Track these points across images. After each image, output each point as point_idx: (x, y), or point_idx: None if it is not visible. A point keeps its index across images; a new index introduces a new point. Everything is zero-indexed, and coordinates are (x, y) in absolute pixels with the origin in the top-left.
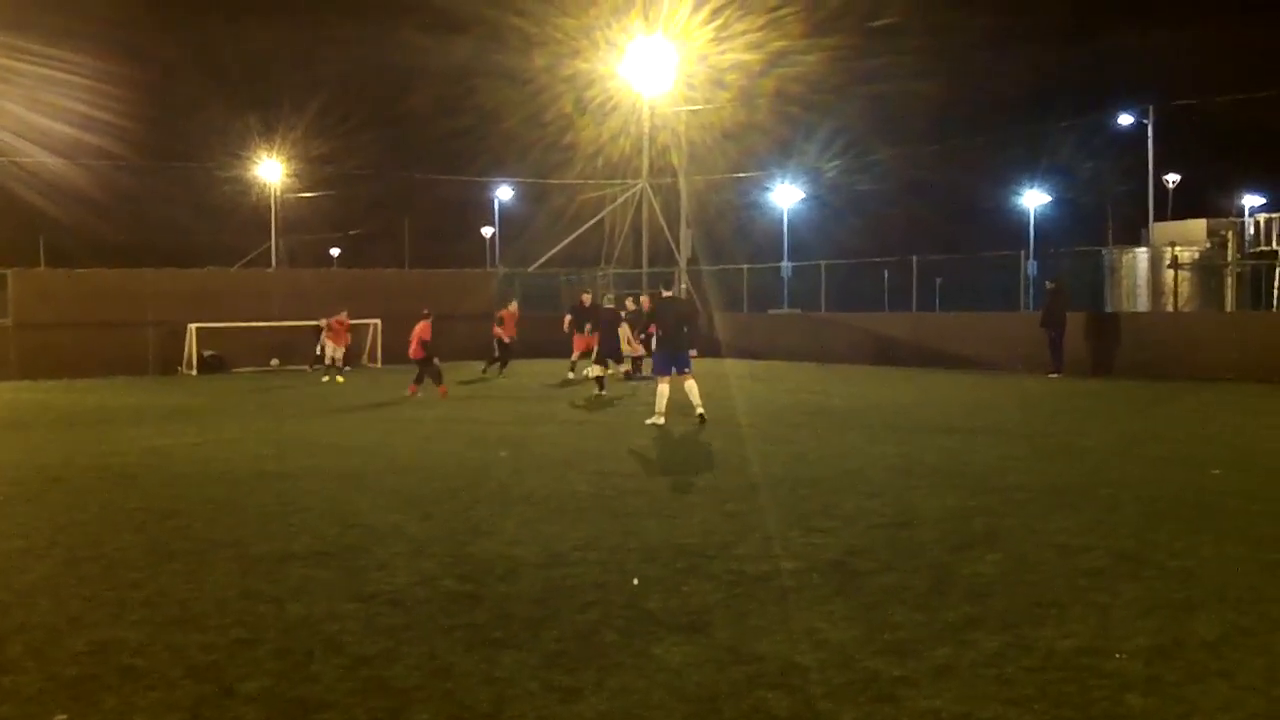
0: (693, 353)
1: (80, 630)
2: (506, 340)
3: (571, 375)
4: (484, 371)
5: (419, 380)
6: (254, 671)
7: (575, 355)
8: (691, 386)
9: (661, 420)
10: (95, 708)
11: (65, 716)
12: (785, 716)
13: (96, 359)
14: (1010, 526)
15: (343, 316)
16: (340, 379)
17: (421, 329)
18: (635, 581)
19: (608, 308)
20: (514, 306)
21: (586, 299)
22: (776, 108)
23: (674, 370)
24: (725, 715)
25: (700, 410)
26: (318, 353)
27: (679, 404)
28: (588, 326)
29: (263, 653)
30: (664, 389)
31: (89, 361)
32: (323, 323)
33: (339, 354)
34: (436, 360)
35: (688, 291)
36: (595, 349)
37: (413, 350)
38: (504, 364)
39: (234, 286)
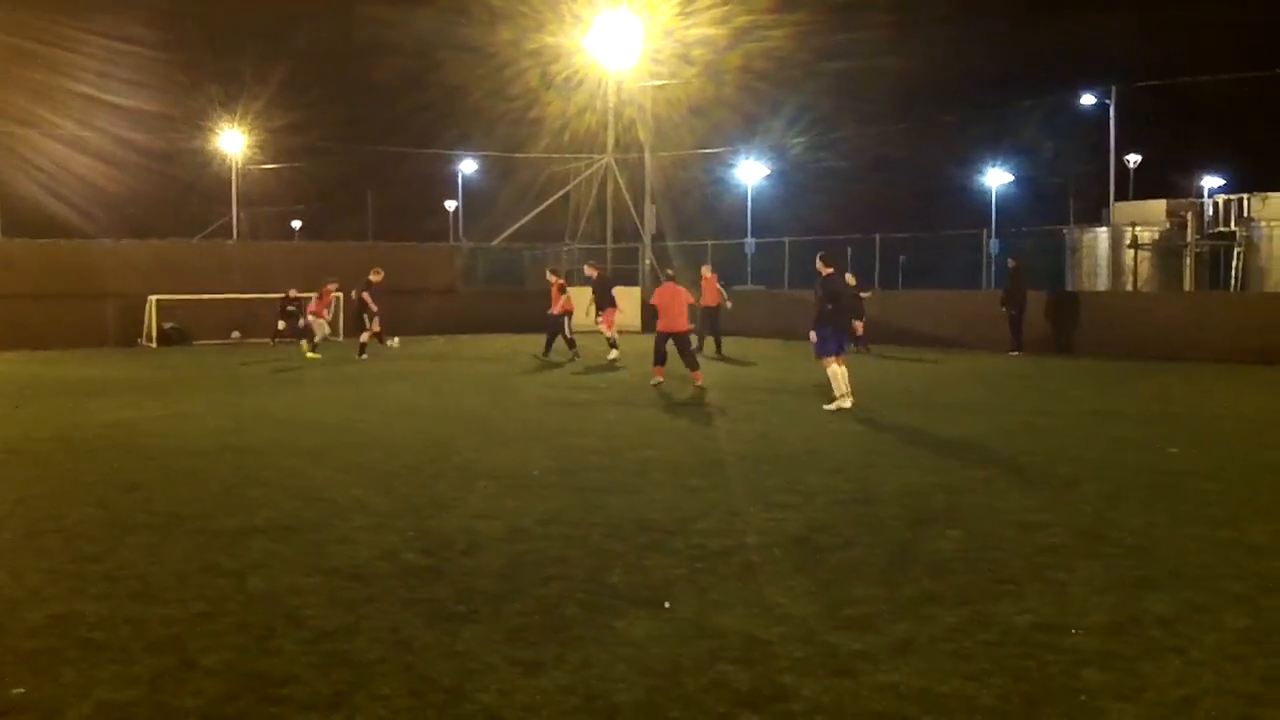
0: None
1: (39, 603)
2: (706, 307)
3: (614, 356)
4: (716, 353)
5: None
6: (215, 645)
7: (610, 332)
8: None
9: (848, 402)
10: (54, 681)
11: (24, 690)
12: (746, 690)
13: (55, 330)
14: (970, 503)
15: (331, 287)
16: (315, 354)
17: (684, 297)
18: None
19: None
20: (707, 270)
21: (593, 272)
22: (742, 83)
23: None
24: (687, 688)
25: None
26: (279, 326)
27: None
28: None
29: (223, 626)
30: (839, 369)
31: (48, 333)
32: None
33: (321, 326)
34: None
35: (652, 267)
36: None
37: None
38: (709, 340)
39: (195, 258)
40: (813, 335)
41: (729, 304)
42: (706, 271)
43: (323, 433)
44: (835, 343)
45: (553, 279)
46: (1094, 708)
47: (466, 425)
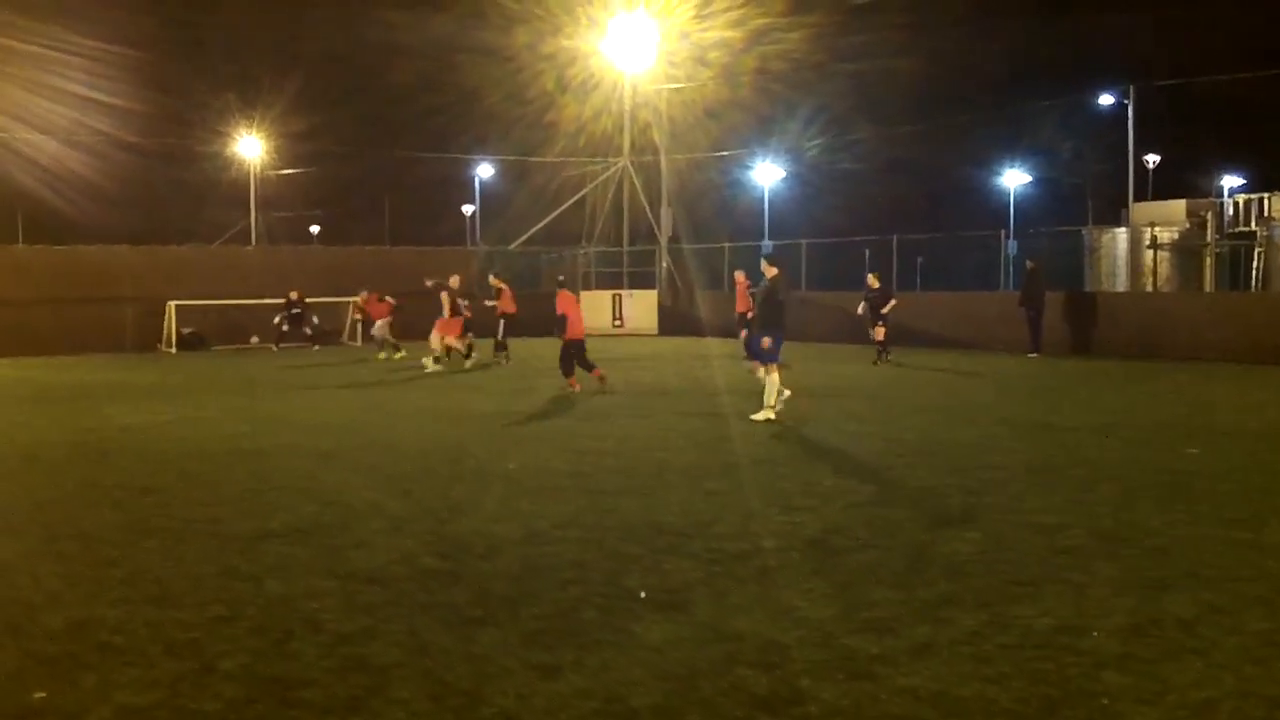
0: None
1: (58, 608)
2: (741, 313)
3: (432, 369)
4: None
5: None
6: (233, 649)
7: (442, 345)
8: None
9: (772, 414)
10: (74, 686)
11: (44, 694)
12: (764, 694)
13: (74, 336)
14: (988, 505)
15: (365, 295)
16: (399, 354)
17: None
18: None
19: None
20: (741, 275)
21: (428, 282)
22: (758, 85)
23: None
24: (704, 693)
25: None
26: (283, 329)
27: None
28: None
29: (241, 630)
30: (775, 378)
31: (67, 338)
32: (360, 298)
33: (384, 330)
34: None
35: (669, 270)
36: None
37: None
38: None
39: (213, 264)
40: (766, 341)
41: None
42: (740, 276)
43: (338, 436)
44: (777, 350)
45: (493, 282)
46: (1114, 711)
47: (480, 428)
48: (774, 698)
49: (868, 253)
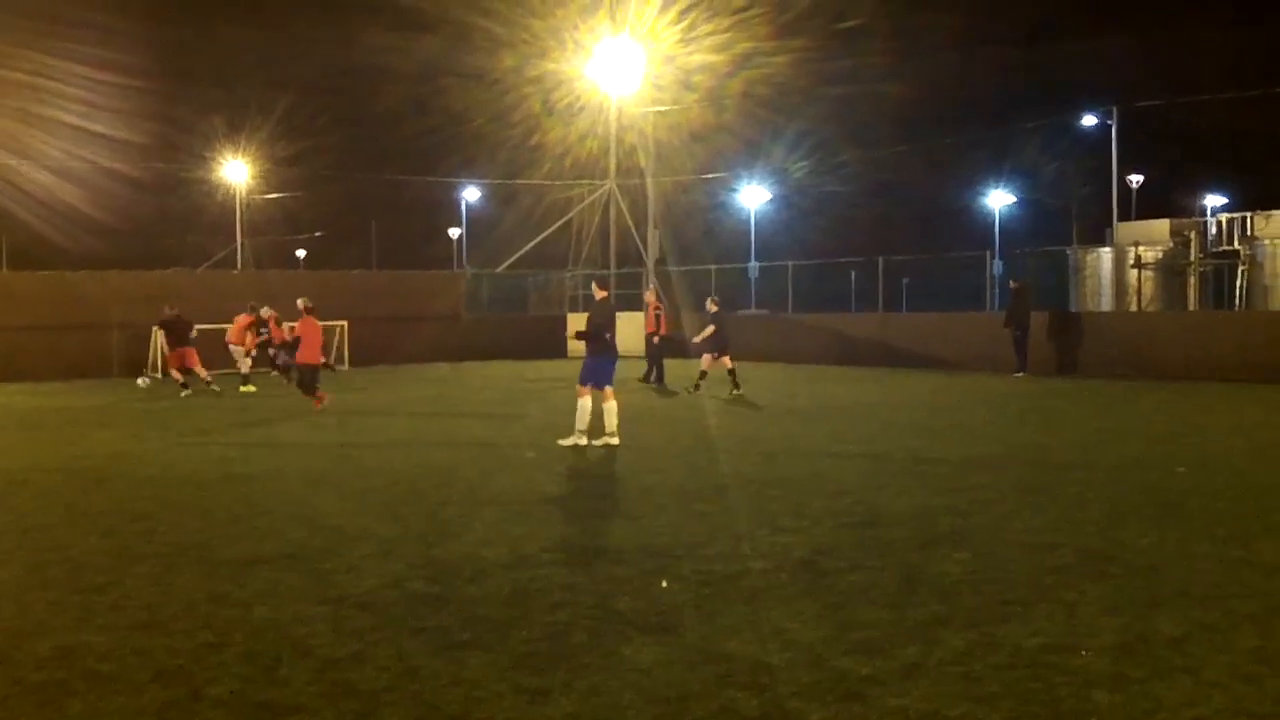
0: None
1: (45, 635)
2: (656, 339)
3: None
4: (656, 381)
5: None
6: (222, 675)
7: (179, 374)
8: (612, 407)
9: (584, 440)
10: (61, 713)
11: None
12: (754, 716)
13: (60, 362)
14: (977, 525)
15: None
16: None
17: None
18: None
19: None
20: (650, 295)
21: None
22: (744, 109)
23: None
24: (694, 715)
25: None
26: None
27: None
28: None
29: (230, 656)
30: (587, 403)
31: (53, 364)
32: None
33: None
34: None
35: (656, 292)
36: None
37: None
38: (659, 372)
39: (199, 289)
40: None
41: (659, 336)
42: (649, 296)
43: (327, 460)
44: (600, 374)
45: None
46: None
47: (469, 452)
48: (764, 719)
49: (854, 274)
